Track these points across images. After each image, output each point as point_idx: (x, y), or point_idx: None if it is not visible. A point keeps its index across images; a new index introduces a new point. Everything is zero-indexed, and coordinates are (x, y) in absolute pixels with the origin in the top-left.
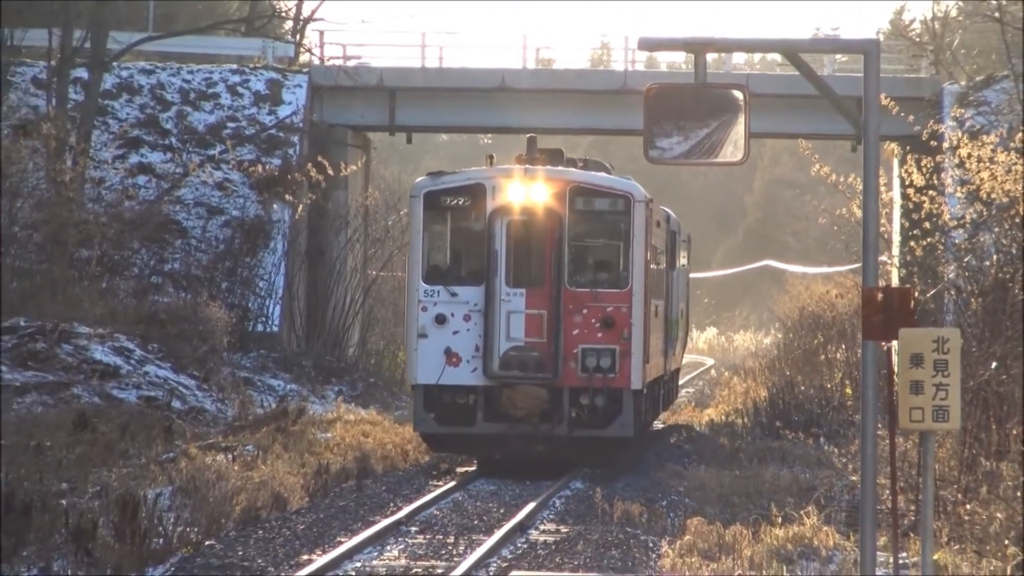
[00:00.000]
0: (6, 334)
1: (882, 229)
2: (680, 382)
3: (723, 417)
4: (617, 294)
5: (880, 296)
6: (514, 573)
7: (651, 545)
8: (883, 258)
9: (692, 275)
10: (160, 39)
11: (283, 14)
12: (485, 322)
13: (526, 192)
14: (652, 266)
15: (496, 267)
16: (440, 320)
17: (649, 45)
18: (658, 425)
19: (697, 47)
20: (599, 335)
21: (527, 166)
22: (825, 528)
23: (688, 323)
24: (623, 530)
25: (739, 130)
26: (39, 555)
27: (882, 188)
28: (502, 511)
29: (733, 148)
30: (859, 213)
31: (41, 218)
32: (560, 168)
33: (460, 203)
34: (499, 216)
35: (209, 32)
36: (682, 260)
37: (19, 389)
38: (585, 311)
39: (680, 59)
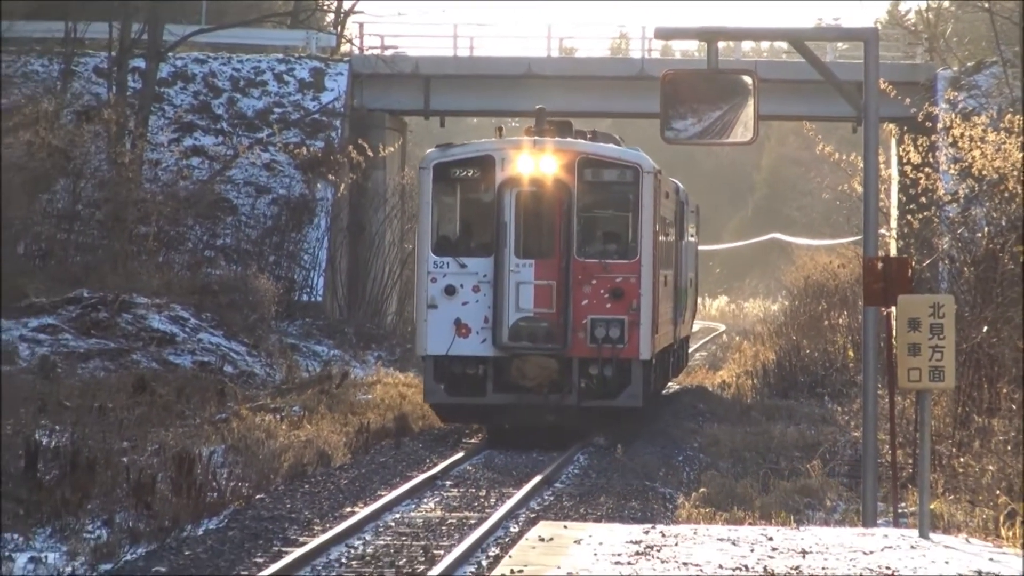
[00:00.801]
0: (71, 304)
1: (881, 204)
2: (693, 347)
3: (734, 378)
4: (626, 265)
5: (880, 265)
6: (542, 523)
7: (668, 496)
8: (882, 231)
9: (704, 247)
10: (212, 31)
11: (325, 7)
12: (494, 293)
13: (535, 163)
14: (661, 237)
15: (505, 238)
16: (449, 291)
17: (665, 34)
18: (674, 387)
19: (709, 35)
20: (608, 306)
21: (536, 138)
22: (829, 480)
23: (697, 292)
24: (642, 483)
25: (748, 112)
26: (103, 508)
27: (881, 166)
28: (530, 466)
29: (743, 129)
30: (860, 189)
31: (103, 197)
32: (569, 140)
33: (469, 175)
34: (508, 187)
35: (257, 25)
36: (691, 230)
37: (83, 355)
38: (594, 282)
39: (693, 47)
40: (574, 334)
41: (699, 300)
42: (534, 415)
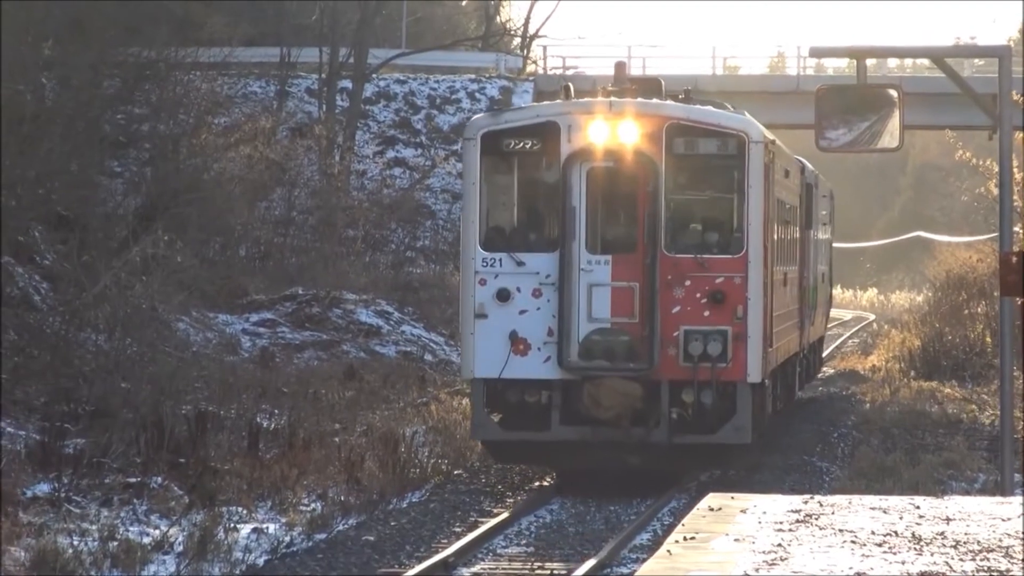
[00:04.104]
0: (287, 300)
1: (1015, 204)
2: (845, 335)
3: (884, 362)
4: (729, 261)
5: (1015, 259)
6: (711, 494)
7: (824, 470)
8: (1016, 228)
9: (854, 244)
10: (411, 55)
11: (513, 32)
12: (560, 298)
13: (611, 132)
14: (777, 224)
15: (574, 228)
16: (503, 296)
17: (818, 53)
18: (828, 371)
19: (858, 54)
20: (706, 313)
21: (612, 99)
22: (970, 454)
23: (831, 287)
24: (801, 458)
25: (894, 122)
26: (317, 483)
27: (1015, 170)
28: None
29: (890, 137)
30: (996, 191)
31: (315, 204)
32: (655, 102)
33: (528, 147)
34: (577, 163)
35: (451, 48)
36: (823, 218)
37: (298, 346)
38: (688, 283)
39: (844, 64)
40: (663, 350)
41: (851, 293)
42: (612, 454)
